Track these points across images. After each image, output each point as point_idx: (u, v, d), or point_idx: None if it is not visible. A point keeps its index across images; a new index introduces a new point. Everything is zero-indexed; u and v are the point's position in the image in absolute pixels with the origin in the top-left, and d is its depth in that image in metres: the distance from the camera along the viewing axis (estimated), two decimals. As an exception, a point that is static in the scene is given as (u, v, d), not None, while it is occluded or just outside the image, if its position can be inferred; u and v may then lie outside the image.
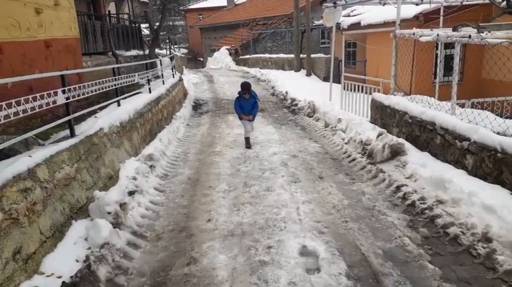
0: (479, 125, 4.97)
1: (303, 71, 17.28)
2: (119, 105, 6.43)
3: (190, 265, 3.35)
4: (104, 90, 5.88)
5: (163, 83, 10.15)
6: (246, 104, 7.21)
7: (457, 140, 4.95)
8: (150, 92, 8.33)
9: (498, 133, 4.61)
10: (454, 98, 5.62)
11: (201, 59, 33.39)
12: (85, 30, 9.94)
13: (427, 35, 6.09)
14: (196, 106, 12.30)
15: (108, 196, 3.96)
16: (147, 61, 9.53)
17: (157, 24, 14.38)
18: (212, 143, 7.60)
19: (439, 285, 2.97)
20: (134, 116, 6.45)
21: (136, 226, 4.05)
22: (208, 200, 4.73)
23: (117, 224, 3.82)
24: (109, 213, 3.83)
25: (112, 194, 4.01)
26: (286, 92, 13.07)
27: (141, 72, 7.77)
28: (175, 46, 40.62)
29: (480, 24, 5.38)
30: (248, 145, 7.12)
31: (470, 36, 4.99)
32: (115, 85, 6.17)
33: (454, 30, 5.76)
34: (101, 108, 6.05)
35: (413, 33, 6.44)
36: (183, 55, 39.11)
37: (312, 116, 9.52)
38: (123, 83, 6.75)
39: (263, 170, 5.78)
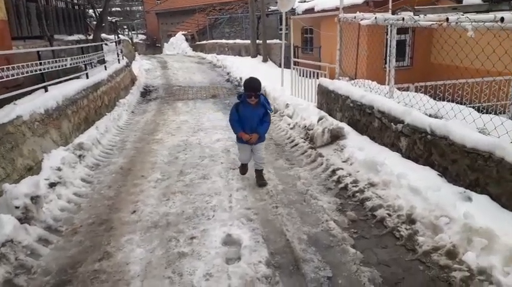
0: (414, 107, 5.01)
1: (260, 57, 17.11)
2: (46, 91, 5.98)
3: (102, 260, 3.13)
4: (29, 74, 5.46)
5: (106, 69, 9.65)
6: (250, 114, 4.27)
7: (392, 123, 4.97)
8: (87, 78, 7.85)
9: (430, 115, 4.65)
10: (391, 81, 5.65)
11: (159, 45, 32.44)
12: (17, 12, 9.20)
13: (367, 18, 6.06)
14: (145, 93, 11.87)
15: (17, 189, 3.63)
16: (84, 45, 8.99)
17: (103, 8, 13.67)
18: (154, 130, 7.31)
19: (358, 269, 2.93)
20: (64, 103, 6.03)
21: (52, 220, 3.76)
22: (137, 191, 4.49)
23: (26, 219, 3.52)
24: (17, 207, 3.52)
25: (22, 186, 3.69)
26: (241, 78, 12.87)
27: (75, 57, 7.29)
28: (132, 32, 39.16)
29: (416, 7, 5.41)
30: (244, 171, 4.74)
31: (403, 19, 4.97)
32: (40, 70, 5.73)
33: (393, 13, 5.77)
34: (26, 95, 5.59)
35: (355, 17, 6.40)
36: (141, 41, 37.79)
37: (262, 102, 9.39)
38: (54, 67, 6.30)
39: (203, 158, 5.59)
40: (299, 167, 5.13)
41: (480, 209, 3.25)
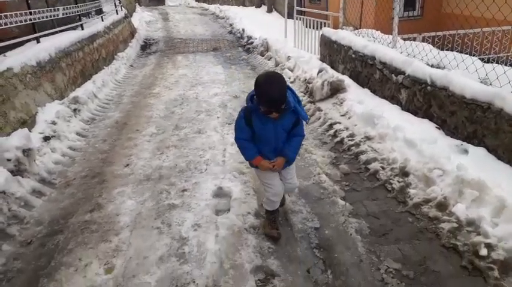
0: (416, 58, 4.82)
1: (264, 8, 16.50)
2: (38, 42, 5.86)
3: (93, 211, 3.18)
4: (19, 24, 5.33)
5: (103, 20, 9.38)
6: (271, 129, 2.47)
7: (393, 74, 4.81)
8: (82, 29, 7.66)
9: (433, 66, 4.48)
10: (395, 29, 5.39)
11: (163, -3, 31.37)
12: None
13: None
14: (146, 46, 11.62)
15: (8, 142, 3.64)
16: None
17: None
18: (152, 84, 7.21)
19: (346, 220, 2.94)
20: (57, 55, 5.92)
21: (46, 173, 3.80)
22: (132, 145, 4.50)
23: (19, 172, 3.55)
24: (9, 160, 3.55)
25: (13, 139, 3.69)
26: (243, 30, 12.50)
27: (67, 6, 7.06)
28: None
29: None
30: (275, 228, 2.80)
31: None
32: (31, 20, 5.58)
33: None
34: (17, 46, 5.49)
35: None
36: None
37: (264, 55, 9.16)
38: (45, 17, 6.12)
39: (199, 112, 5.53)
40: (296, 121, 5.05)
41: (475, 161, 3.19)
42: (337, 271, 2.43)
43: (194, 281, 2.39)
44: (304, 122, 2.57)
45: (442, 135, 3.81)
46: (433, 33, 7.34)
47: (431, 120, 4.12)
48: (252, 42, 10.70)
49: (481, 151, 3.36)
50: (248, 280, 2.39)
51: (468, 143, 3.55)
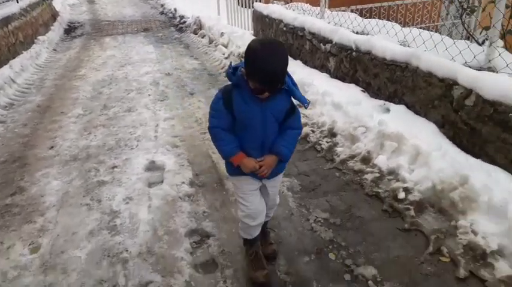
0: (342, 26, 5.04)
1: (197, -13, 16.17)
2: None
3: (14, 195, 3.03)
4: None
5: (18, 1, 8.70)
6: (259, 113, 1.80)
7: (322, 44, 5.01)
8: (-8, 10, 7.06)
9: (357, 33, 4.72)
10: (322, 1, 5.58)
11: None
12: None
13: None
14: (70, 29, 10.96)
15: None
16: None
17: None
18: (78, 67, 6.86)
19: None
20: (-37, 38, 5.43)
21: (-42, 162, 3.54)
22: (56, 127, 4.29)
23: None
24: None
25: None
26: (175, 9, 12.22)
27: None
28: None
29: None
30: (261, 267, 2.11)
31: None
32: None
33: None
34: None
35: None
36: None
37: (197, 33, 9.05)
38: None
39: (129, 91, 5.38)
40: (231, 94, 5.11)
41: (395, 117, 3.46)
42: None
43: (127, 250, 2.39)
44: (300, 113, 1.96)
45: (366, 97, 4.06)
46: (359, 6, 7.70)
47: (357, 84, 4.38)
48: (184, 22, 10.51)
49: (401, 108, 3.64)
50: (183, 243, 2.43)
51: (390, 102, 3.83)
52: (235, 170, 1.94)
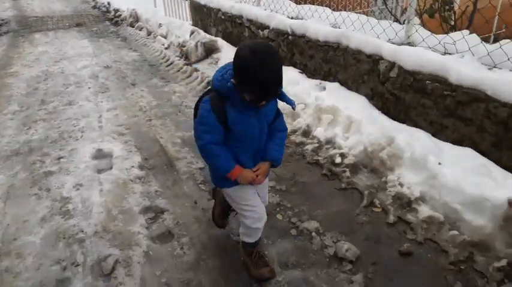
0: (278, 12, 5.31)
1: (130, -20, 15.78)
2: None
3: (-47, 193, 2.95)
4: None
5: None
6: (254, 126, 1.76)
7: (260, 30, 5.24)
8: None
9: (292, 18, 5.00)
10: (258, -12, 5.81)
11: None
12: None
13: None
14: (-7, 27, 10.29)
15: None
16: None
17: None
18: (7, 64, 6.54)
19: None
20: None
21: None
22: (-9, 124, 4.15)
23: None
24: None
25: None
26: (109, 3, 11.89)
27: None
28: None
29: None
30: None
31: None
32: None
33: None
34: None
35: None
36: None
37: (134, 26, 8.94)
38: None
39: (67, 85, 5.28)
40: (174, 83, 5.20)
41: (330, 93, 3.78)
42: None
43: (83, 231, 2.47)
44: (293, 107, 1.83)
45: (304, 77, 4.36)
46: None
47: (295, 67, 4.67)
48: (120, 15, 10.29)
49: (335, 85, 3.97)
50: (138, 220, 2.55)
51: (325, 81, 4.15)
52: (228, 182, 1.83)
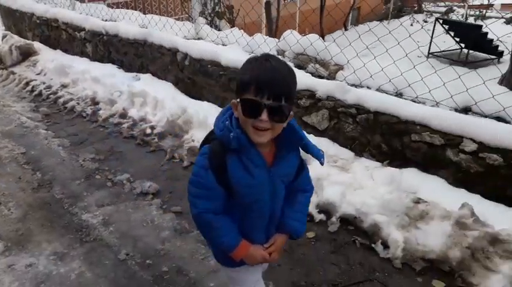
0: (93, 16, 5.87)
1: None
2: None
3: None
4: None
5: None
6: (264, 185, 1.32)
7: (76, 32, 5.71)
8: None
9: (106, 20, 5.63)
10: (72, -7, 6.24)
11: None
12: None
13: None
14: None
15: None
16: None
17: None
18: None
19: (49, 142, 3.75)
20: None
21: None
22: None
23: None
24: None
25: None
26: None
27: None
28: None
29: None
30: None
31: None
32: None
33: None
34: None
35: None
36: None
37: None
38: None
39: None
40: (-11, 88, 5.28)
41: (144, 83, 4.58)
42: (45, 171, 3.25)
43: None
44: (321, 161, 1.35)
45: (121, 71, 5.07)
46: (116, 0, 8.64)
47: (113, 63, 5.33)
48: None
49: (148, 76, 4.79)
50: (-37, 198, 2.90)
51: (140, 73, 4.93)
52: (232, 261, 1.42)
